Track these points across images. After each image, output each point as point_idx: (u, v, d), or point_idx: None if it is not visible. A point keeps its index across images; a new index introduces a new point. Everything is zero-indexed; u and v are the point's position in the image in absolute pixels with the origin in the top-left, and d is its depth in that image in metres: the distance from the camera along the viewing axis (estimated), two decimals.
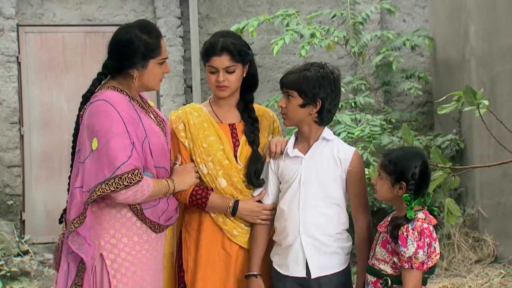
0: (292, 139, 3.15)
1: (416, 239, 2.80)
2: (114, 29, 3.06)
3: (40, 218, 7.65)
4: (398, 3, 8.05)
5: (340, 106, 5.68)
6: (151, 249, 3.00)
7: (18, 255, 7.04)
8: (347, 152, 3.10)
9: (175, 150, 3.21)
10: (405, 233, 2.81)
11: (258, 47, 7.98)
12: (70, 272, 2.91)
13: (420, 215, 2.87)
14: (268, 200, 3.19)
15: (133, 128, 2.90)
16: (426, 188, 2.93)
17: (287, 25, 7.16)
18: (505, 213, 6.40)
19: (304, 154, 3.10)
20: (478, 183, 6.79)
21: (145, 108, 3.08)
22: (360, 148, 6.45)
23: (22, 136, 7.67)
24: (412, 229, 2.81)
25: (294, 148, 3.13)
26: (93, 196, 2.82)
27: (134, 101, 3.01)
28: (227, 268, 3.18)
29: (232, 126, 3.26)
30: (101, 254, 2.92)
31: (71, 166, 2.99)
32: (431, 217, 2.90)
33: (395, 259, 2.87)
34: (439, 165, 3.14)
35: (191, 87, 7.81)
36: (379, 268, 2.93)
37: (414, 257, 2.79)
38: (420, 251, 2.79)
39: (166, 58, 3.05)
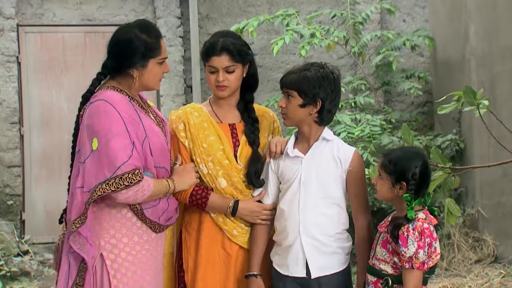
0: (292, 139, 3.15)
1: (416, 239, 2.79)
2: (114, 29, 3.06)
3: (40, 218, 7.64)
4: (398, 3, 8.05)
5: (340, 106, 5.67)
6: (151, 249, 3.00)
7: (18, 255, 7.04)
8: (347, 152, 3.09)
9: (175, 150, 3.21)
10: (405, 233, 2.81)
11: (258, 47, 7.97)
12: (71, 272, 2.91)
13: (421, 215, 2.87)
14: (268, 200, 3.19)
15: (133, 128, 2.90)
16: (427, 188, 2.93)
17: (287, 25, 7.16)
18: (505, 213, 6.39)
19: (304, 154, 3.10)
20: (478, 183, 6.79)
21: (145, 108, 3.08)
22: (360, 148, 6.44)
23: (22, 136, 7.66)
24: (413, 229, 2.81)
25: (294, 148, 3.12)
26: (94, 196, 2.82)
27: (134, 101, 3.01)
28: (227, 268, 3.18)
29: (232, 126, 3.25)
30: (101, 254, 2.91)
31: (71, 166, 2.99)
32: (432, 217, 2.90)
33: (396, 259, 2.87)
34: (439, 165, 3.14)
35: (191, 87, 7.81)
36: (380, 268, 2.93)
37: (415, 257, 2.79)
38: (421, 251, 2.79)
39: (166, 58, 3.05)
